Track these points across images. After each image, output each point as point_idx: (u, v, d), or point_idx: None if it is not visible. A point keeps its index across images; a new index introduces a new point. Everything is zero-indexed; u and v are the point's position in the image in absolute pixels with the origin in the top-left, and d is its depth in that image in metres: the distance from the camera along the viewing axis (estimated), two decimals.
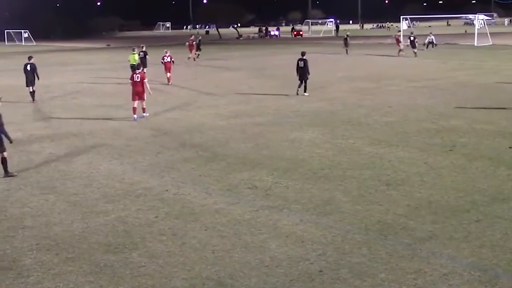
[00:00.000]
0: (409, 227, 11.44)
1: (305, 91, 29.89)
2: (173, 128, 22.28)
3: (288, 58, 54.02)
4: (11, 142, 16.24)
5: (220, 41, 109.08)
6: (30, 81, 30.60)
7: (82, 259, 10.39)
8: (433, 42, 64.27)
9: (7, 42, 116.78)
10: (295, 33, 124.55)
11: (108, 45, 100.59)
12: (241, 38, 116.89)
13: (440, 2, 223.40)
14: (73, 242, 11.13)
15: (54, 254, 10.63)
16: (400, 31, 66.87)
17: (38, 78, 30.81)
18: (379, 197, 13.37)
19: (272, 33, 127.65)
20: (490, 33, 70.55)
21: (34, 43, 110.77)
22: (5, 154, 16.03)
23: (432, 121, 22.15)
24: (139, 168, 16.51)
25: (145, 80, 24.46)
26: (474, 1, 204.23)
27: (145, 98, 24.72)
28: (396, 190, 13.82)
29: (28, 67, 30.62)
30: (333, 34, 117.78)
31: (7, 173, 16.05)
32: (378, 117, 23.19)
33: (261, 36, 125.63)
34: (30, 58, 31.15)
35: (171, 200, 13.60)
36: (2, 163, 16.06)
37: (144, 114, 24.85)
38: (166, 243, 10.98)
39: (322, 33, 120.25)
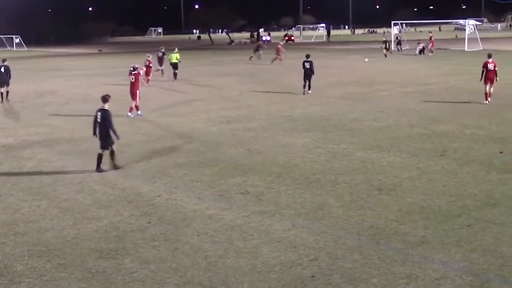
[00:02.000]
0: (401, 232, 11.48)
1: (309, 89, 32.70)
2: (165, 133, 22.28)
3: (279, 64, 54.15)
4: (118, 138, 16.87)
5: (212, 46, 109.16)
6: (3, 82, 32.41)
7: (74, 265, 10.37)
8: (424, 49, 64.41)
9: None
10: (286, 38, 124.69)
11: (100, 50, 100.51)
12: (233, 43, 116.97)
13: (431, 7, 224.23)
14: (65, 248, 11.12)
15: (46, 260, 10.61)
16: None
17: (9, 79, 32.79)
18: (371, 202, 13.41)
19: (263, 38, 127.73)
20: (480, 38, 70.80)
21: (26, 49, 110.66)
22: (113, 147, 16.76)
23: (424, 126, 22.22)
24: (131, 174, 16.50)
25: (140, 78, 26.22)
26: (464, 7, 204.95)
27: (138, 97, 25.98)
28: (388, 195, 13.86)
29: (2, 69, 32.45)
30: (325, 39, 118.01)
31: (114, 166, 16.86)
32: (370, 122, 23.25)
33: (253, 41, 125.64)
34: (4, 60, 32.84)
35: (163, 205, 13.59)
36: (110, 155, 16.78)
37: (138, 112, 26.18)
38: (158, 249, 10.98)
39: (313, 38, 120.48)
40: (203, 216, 12.75)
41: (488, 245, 10.71)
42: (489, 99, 27.14)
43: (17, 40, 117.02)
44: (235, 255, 10.61)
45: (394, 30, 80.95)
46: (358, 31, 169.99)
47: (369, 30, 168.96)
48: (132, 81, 26.11)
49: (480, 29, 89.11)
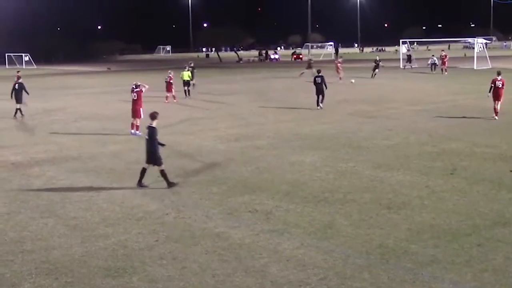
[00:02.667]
0: (410, 251, 11.38)
1: (321, 102, 33.78)
2: (173, 151, 22.25)
3: (287, 82, 54.24)
4: (158, 160, 16.89)
5: (220, 64, 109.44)
6: (19, 99, 33.84)
7: (82, 283, 10.32)
8: (435, 64, 64.38)
9: (8, 66, 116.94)
10: (295, 56, 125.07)
11: (108, 68, 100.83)
12: (241, 62, 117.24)
13: (440, 26, 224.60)
14: (73, 266, 11.07)
15: (53, 278, 10.57)
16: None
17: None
18: (380, 220, 13.32)
19: (272, 56, 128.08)
20: (489, 56, 70.72)
21: (35, 66, 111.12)
22: (162, 166, 16.75)
23: (433, 144, 22.14)
24: (139, 192, 16.47)
25: (141, 95, 26.34)
26: (473, 25, 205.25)
27: (141, 116, 25.85)
28: (397, 214, 13.78)
29: (17, 86, 34.00)
30: (333, 57, 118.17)
31: (169, 184, 16.77)
32: (378, 141, 23.18)
33: (261, 59, 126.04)
34: (18, 78, 34.90)
35: (172, 223, 13.54)
36: (162, 176, 16.80)
37: (137, 132, 26.00)
38: (166, 267, 10.92)
39: (322, 56, 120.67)
40: (211, 234, 12.69)
41: (499, 265, 10.61)
42: (496, 116, 28.13)
43: (27, 58, 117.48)
44: (244, 274, 10.54)
45: (403, 48, 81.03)
46: (367, 49, 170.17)
47: (377, 49, 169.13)
48: (135, 98, 26.31)
49: (490, 48, 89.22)
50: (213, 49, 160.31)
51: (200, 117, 31.78)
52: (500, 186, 16.05)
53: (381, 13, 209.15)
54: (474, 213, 13.68)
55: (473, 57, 70.47)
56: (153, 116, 17.04)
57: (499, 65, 68.50)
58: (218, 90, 47.88)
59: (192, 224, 13.47)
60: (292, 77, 55.21)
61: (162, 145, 17.09)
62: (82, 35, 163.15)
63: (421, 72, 62.20)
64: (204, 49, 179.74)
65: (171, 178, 17.02)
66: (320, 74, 34.14)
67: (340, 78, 53.49)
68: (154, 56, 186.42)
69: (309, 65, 59.22)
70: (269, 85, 52.07)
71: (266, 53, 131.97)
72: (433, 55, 65.21)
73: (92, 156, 21.68)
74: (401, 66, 69.39)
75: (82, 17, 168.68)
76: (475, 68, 66.86)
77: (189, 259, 11.31)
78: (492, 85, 28.13)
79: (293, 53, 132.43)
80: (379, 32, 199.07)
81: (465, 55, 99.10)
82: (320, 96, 33.77)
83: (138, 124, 26.08)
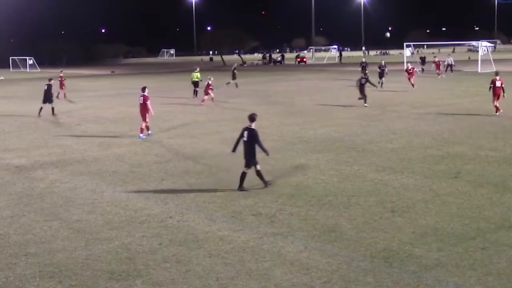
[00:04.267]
0: (414, 254, 11.36)
1: (365, 102, 35.79)
2: (177, 154, 22.26)
3: (291, 85, 54.23)
4: (267, 155, 17.01)
5: (224, 67, 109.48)
6: (47, 99, 35.88)
7: (85, 286, 10.32)
8: (452, 65, 63.75)
9: (12, 69, 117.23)
10: (299, 59, 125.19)
11: (112, 72, 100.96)
12: (245, 65, 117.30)
13: (444, 29, 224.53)
14: (76, 269, 11.07)
15: (57, 281, 10.56)
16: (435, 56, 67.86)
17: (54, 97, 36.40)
18: (384, 224, 13.30)
19: (279, 58, 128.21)
20: (494, 59, 70.64)
21: (39, 70, 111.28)
22: (258, 166, 16.66)
23: (437, 147, 22.10)
24: (143, 195, 16.47)
25: (148, 102, 26.26)
26: (477, 28, 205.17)
27: (146, 119, 26.24)
28: (401, 217, 13.75)
29: (46, 87, 36.04)
30: (337, 60, 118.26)
31: (265, 183, 16.84)
32: (382, 144, 23.15)
33: (265, 62, 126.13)
34: (50, 80, 36.78)
35: (175, 227, 13.53)
36: (258, 176, 16.72)
37: (141, 135, 26.26)
38: (170, 271, 10.91)
39: (325, 59, 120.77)
40: (215, 237, 12.68)
41: (503, 269, 10.57)
42: (500, 111, 30.44)
43: (31, 62, 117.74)
44: (247, 277, 10.52)
45: (407, 52, 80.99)
46: (371, 53, 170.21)
47: (381, 52, 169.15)
48: (141, 102, 26.40)
49: (498, 51, 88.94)
50: (216, 51, 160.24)
51: (204, 120, 31.79)
52: (504, 189, 16.00)
53: (385, 17, 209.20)
54: (478, 217, 13.65)
55: (477, 60, 70.38)
56: (252, 118, 16.92)
57: (504, 68, 68.48)
58: (221, 93, 47.86)
59: (196, 227, 13.46)
60: (292, 80, 55.21)
61: (266, 153, 16.90)
62: (86, 39, 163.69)
63: (425, 76, 62.06)
64: (211, 52, 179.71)
65: (188, 179, 17.00)
66: (366, 77, 37.20)
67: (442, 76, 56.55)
68: (158, 59, 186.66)
69: (363, 68, 57.77)
70: (273, 88, 52.05)
71: (270, 56, 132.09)
72: (449, 55, 64.75)
73: (96, 159, 21.69)
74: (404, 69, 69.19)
75: (86, 21, 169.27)
76: (479, 71, 66.76)
77: (192, 262, 11.30)
78: (492, 85, 30.97)
79: (297, 56, 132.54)
80: (383, 35, 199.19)
81: (469, 58, 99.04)
82: (364, 96, 36.04)
83: (142, 127, 26.25)
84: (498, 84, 30.55)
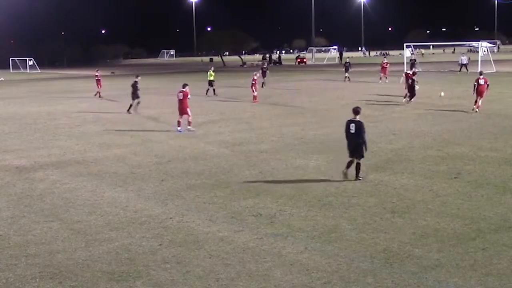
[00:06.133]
0: (415, 255, 11.35)
1: (410, 100, 36.91)
2: (177, 155, 22.25)
3: (291, 86, 54.21)
4: (366, 150, 17.42)
5: (224, 68, 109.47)
6: (135, 96, 36.23)
7: (86, 287, 10.32)
8: (466, 64, 62.53)
9: (12, 70, 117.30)
10: (299, 60, 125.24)
11: (112, 72, 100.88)
12: (245, 66, 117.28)
13: (444, 29, 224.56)
14: (77, 270, 11.06)
15: (57, 282, 10.56)
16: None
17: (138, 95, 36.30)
18: (384, 224, 13.30)
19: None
20: (494, 60, 70.60)
21: (39, 71, 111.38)
22: (361, 160, 17.33)
23: (437, 148, 22.10)
24: (143, 196, 16.47)
25: (189, 97, 27.96)
26: (477, 29, 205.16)
27: (189, 113, 27.83)
28: (401, 218, 13.75)
29: (133, 83, 36.51)
30: (337, 61, 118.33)
31: (357, 177, 17.42)
32: (382, 144, 23.14)
33: (265, 63, 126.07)
34: (137, 76, 37.61)
35: (175, 227, 13.53)
36: (356, 168, 17.39)
37: (190, 127, 27.77)
38: (170, 271, 10.91)
39: (325, 60, 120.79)
40: (215, 238, 12.68)
41: (503, 269, 10.57)
42: (477, 108, 32.15)
43: (31, 62, 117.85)
44: (247, 278, 10.52)
45: (407, 52, 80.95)
46: (372, 53, 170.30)
47: (381, 53, 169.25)
48: (180, 98, 27.68)
49: (501, 51, 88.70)
50: (226, 52, 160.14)
51: (204, 121, 31.76)
52: (504, 190, 16.00)
53: (385, 17, 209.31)
54: (478, 217, 13.65)
55: (477, 60, 70.29)
56: (357, 111, 17.61)
57: (504, 68, 68.55)
58: (221, 94, 47.88)
59: (196, 228, 13.46)
60: (292, 81, 55.21)
61: (366, 148, 17.37)
62: (86, 39, 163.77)
63: (425, 76, 62.01)
64: (220, 53, 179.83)
65: (188, 180, 17.00)
66: (414, 77, 37.61)
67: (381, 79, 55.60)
68: (158, 60, 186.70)
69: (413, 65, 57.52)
70: (273, 89, 52.01)
71: (270, 57, 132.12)
72: (463, 53, 64.24)
73: (96, 160, 21.69)
74: (405, 70, 69.12)
75: (86, 22, 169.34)
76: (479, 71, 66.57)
77: (192, 263, 11.30)
78: (475, 83, 32.68)
79: (297, 57, 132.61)
80: (383, 35, 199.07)
81: (469, 58, 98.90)
82: (411, 93, 36.95)
83: (180, 120, 27.76)
84: (481, 82, 32.40)
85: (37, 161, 21.89)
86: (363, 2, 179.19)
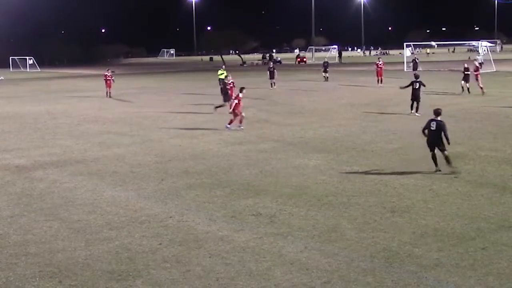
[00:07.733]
0: (414, 254, 11.36)
1: (416, 111, 31.63)
2: (177, 154, 22.25)
3: (291, 86, 54.19)
4: (449, 143, 18.45)
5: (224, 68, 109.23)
6: (227, 98, 34.74)
7: (86, 286, 10.32)
8: (481, 63, 60.72)
9: (12, 69, 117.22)
10: (299, 59, 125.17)
11: (113, 71, 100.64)
12: (245, 65, 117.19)
13: (444, 29, 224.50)
14: (77, 270, 11.07)
15: (57, 281, 10.57)
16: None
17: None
18: (384, 224, 13.30)
19: (278, 59, 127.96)
20: (494, 59, 70.54)
21: (39, 70, 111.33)
22: (445, 152, 18.20)
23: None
24: (143, 195, 16.47)
25: (239, 101, 28.38)
26: (477, 28, 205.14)
27: (240, 110, 28.22)
28: (401, 217, 13.75)
29: (222, 85, 36.86)
30: (336, 60, 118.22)
31: (450, 165, 18.21)
32: (382, 144, 23.14)
33: (265, 62, 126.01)
34: (226, 76, 38.06)
35: (175, 227, 13.53)
36: (445, 160, 18.17)
37: (241, 125, 28.15)
38: (170, 271, 10.91)
39: (325, 59, 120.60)
40: (215, 237, 12.68)
41: (503, 269, 10.58)
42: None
43: (31, 61, 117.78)
44: (247, 277, 10.52)
45: (407, 51, 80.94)
46: (372, 53, 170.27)
47: (381, 52, 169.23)
48: (236, 102, 28.32)
49: (504, 51, 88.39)
50: (236, 51, 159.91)
51: (204, 121, 31.77)
52: (504, 189, 16.01)
53: (385, 16, 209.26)
54: (478, 217, 13.65)
55: (487, 60, 70.10)
56: (438, 112, 18.66)
57: (504, 68, 68.51)
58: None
59: (196, 227, 13.46)
60: (292, 80, 55.19)
61: (448, 142, 18.39)
62: (86, 39, 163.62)
63: (427, 76, 61.95)
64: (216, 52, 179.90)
65: (188, 179, 16.99)
66: (419, 80, 32.61)
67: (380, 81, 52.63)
68: (158, 59, 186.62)
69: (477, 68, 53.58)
70: (273, 89, 51.98)
71: (270, 56, 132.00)
72: (478, 53, 63.65)
73: (96, 159, 21.69)
74: (405, 70, 69.22)
75: (86, 21, 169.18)
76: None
77: (192, 262, 11.31)
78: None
79: (297, 56, 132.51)
80: (383, 35, 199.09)
81: (469, 58, 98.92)
82: (415, 102, 31.97)
83: (233, 118, 28.02)
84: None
85: (37, 160, 21.89)
86: (363, 1, 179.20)
